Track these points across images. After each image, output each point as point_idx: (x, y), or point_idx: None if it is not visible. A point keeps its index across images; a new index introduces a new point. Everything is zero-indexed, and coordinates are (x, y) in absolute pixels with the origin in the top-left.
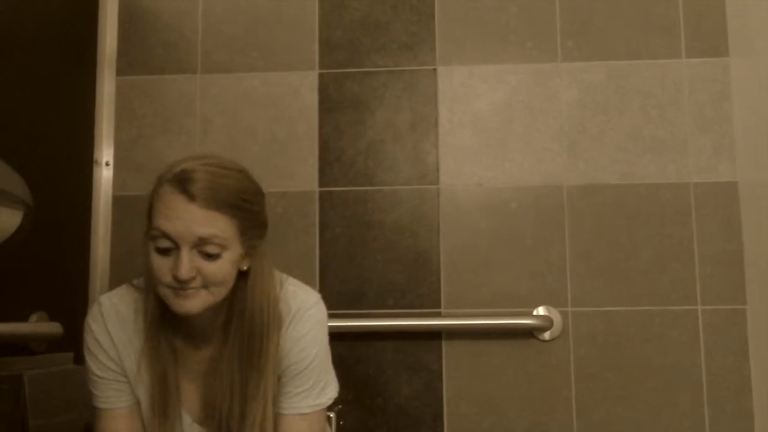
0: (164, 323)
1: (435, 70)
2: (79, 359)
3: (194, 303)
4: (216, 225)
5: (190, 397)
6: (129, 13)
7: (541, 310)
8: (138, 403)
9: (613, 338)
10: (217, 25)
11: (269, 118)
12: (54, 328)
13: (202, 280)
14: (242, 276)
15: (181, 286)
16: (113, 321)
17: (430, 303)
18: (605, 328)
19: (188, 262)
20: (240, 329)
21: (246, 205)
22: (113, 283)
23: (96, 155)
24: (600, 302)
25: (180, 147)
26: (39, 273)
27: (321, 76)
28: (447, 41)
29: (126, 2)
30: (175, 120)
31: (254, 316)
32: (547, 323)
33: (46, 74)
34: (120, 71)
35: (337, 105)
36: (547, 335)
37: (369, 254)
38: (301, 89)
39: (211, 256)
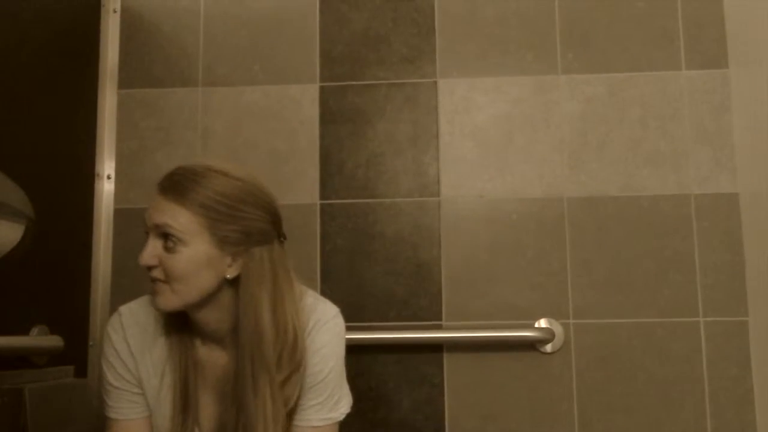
0: (183, 331)
1: (435, 82)
2: (80, 372)
3: (161, 299)
4: (174, 217)
5: (204, 408)
6: (130, 27)
7: (542, 323)
8: (149, 415)
9: (614, 350)
10: (218, 38)
11: (270, 130)
12: (55, 341)
13: (164, 273)
14: (236, 284)
15: (149, 274)
16: (133, 330)
17: (432, 315)
18: (607, 340)
19: (149, 249)
20: (241, 338)
21: (223, 209)
22: (114, 297)
23: (97, 168)
24: (601, 314)
25: (181, 159)
26: (40, 286)
27: (322, 88)
28: (447, 54)
29: (127, 16)
30: (176, 133)
31: (248, 326)
32: (548, 335)
33: (47, 87)
34: (121, 84)
35: (337, 117)
36: (548, 347)
37: (370, 266)
38: (302, 102)
39: (168, 248)
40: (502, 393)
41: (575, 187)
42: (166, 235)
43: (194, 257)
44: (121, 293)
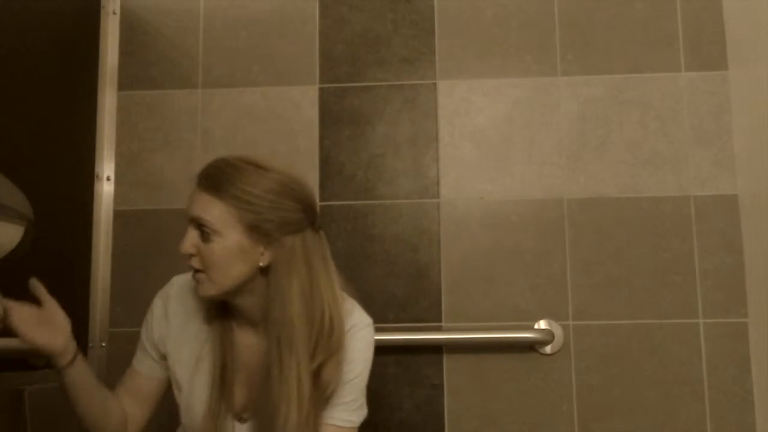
0: (223, 316)
1: (435, 84)
2: None
3: (200, 288)
4: (208, 209)
5: (238, 393)
6: (130, 29)
7: (542, 324)
8: (162, 380)
9: (614, 352)
10: (217, 39)
11: (270, 132)
12: None
13: (201, 261)
14: (267, 272)
15: (189, 263)
16: (176, 305)
17: (431, 317)
18: (606, 341)
19: (188, 239)
20: (270, 324)
21: (255, 201)
22: (114, 298)
23: (97, 170)
24: (601, 316)
25: (181, 161)
26: None
27: (321, 90)
28: (447, 55)
29: (127, 17)
30: (175, 134)
31: (276, 312)
32: (548, 337)
33: (47, 89)
34: (121, 86)
35: (337, 119)
36: (548, 349)
37: (370, 268)
38: (302, 103)
39: (205, 238)
40: (501, 394)
41: (575, 188)
42: (201, 226)
43: (228, 247)
44: (121, 294)
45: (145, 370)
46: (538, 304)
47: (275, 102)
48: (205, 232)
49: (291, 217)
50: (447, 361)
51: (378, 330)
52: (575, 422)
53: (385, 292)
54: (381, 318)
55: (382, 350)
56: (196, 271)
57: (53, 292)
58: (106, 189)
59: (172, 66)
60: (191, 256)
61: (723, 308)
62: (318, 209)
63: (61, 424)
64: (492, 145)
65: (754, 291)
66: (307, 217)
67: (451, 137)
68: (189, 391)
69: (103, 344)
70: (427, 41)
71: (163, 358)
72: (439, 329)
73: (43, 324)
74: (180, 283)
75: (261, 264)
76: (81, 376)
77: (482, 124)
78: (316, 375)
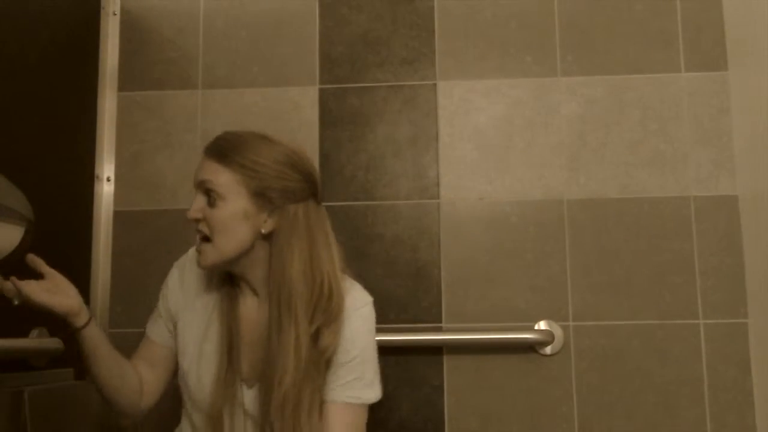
0: (231, 285)
1: (435, 84)
2: (80, 375)
3: (202, 258)
4: (215, 175)
5: (245, 359)
6: (130, 29)
7: (542, 325)
8: (172, 349)
9: (614, 352)
10: (217, 40)
11: (270, 132)
12: (54, 343)
13: (207, 226)
14: (270, 239)
15: (196, 227)
16: (191, 274)
17: (431, 317)
18: (607, 342)
19: (195, 204)
20: (270, 288)
21: (261, 169)
22: (114, 299)
23: (97, 170)
24: (601, 316)
25: (181, 162)
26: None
27: (321, 91)
28: (447, 56)
29: (127, 18)
30: (176, 135)
31: (277, 276)
32: (548, 338)
33: (47, 90)
34: (121, 87)
35: (337, 120)
36: (548, 350)
37: (369, 268)
38: (302, 104)
39: (211, 203)
40: (501, 395)
41: (575, 189)
42: (208, 192)
43: (233, 211)
44: (121, 295)
45: (159, 339)
46: (538, 305)
47: (275, 103)
48: (211, 198)
49: (294, 186)
50: (447, 361)
51: (378, 330)
52: (575, 423)
53: (385, 293)
54: (381, 318)
55: (382, 351)
56: (202, 240)
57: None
58: (106, 190)
59: (172, 67)
60: (197, 221)
61: (723, 309)
62: (320, 184)
63: (61, 424)
64: (492, 145)
65: (755, 291)
66: (310, 187)
67: (451, 138)
68: (197, 356)
69: None
70: (427, 42)
71: (174, 325)
72: (439, 330)
73: (51, 291)
74: (194, 251)
75: (263, 230)
76: (97, 338)
77: (482, 125)
78: (314, 339)
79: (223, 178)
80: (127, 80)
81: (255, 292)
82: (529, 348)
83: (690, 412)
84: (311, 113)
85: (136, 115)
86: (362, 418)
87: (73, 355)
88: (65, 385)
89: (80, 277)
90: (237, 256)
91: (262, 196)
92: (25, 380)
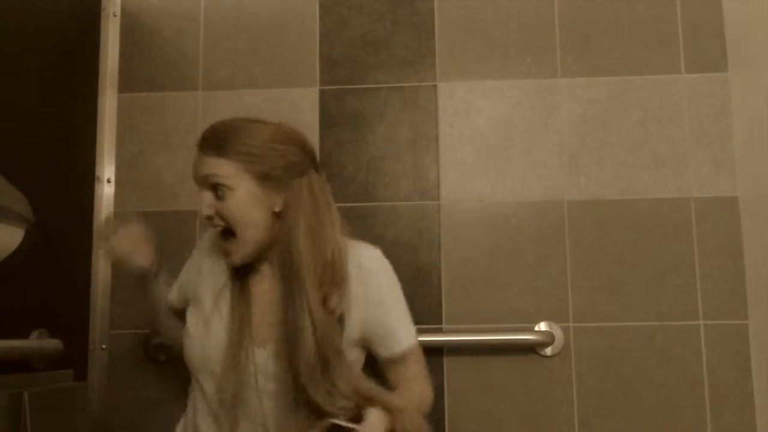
0: None
1: (435, 86)
2: (80, 376)
3: (234, 255)
4: (217, 167)
5: (258, 327)
6: (130, 31)
7: (542, 326)
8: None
9: (615, 354)
10: (218, 41)
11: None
12: (54, 345)
13: (223, 220)
14: (278, 215)
15: (212, 224)
16: (209, 248)
17: (432, 319)
18: (607, 343)
19: (204, 201)
20: (280, 262)
21: (258, 151)
22: (115, 300)
23: (98, 172)
24: (602, 318)
25: (182, 163)
26: (39, 290)
27: (322, 92)
28: (447, 57)
29: (127, 19)
30: (176, 136)
31: (286, 250)
32: (548, 339)
33: (47, 91)
34: (122, 88)
35: (337, 121)
36: (548, 351)
37: None
38: (302, 105)
39: (219, 196)
40: (502, 396)
41: (575, 190)
42: (214, 186)
43: (244, 199)
44: (122, 297)
45: (180, 306)
46: (539, 306)
47: (276, 104)
48: (219, 191)
49: (294, 160)
50: (447, 363)
51: None
52: (575, 424)
53: None
54: None
55: None
56: (225, 236)
57: (53, 293)
58: (106, 191)
59: (173, 68)
60: (211, 218)
61: (723, 310)
62: (316, 153)
63: (61, 426)
64: (492, 146)
65: (755, 293)
66: (308, 158)
67: (451, 139)
68: (206, 327)
69: (104, 347)
70: (427, 43)
71: (194, 293)
72: (439, 331)
73: (135, 241)
74: (207, 235)
75: (276, 209)
76: (163, 287)
77: (482, 126)
78: (324, 303)
79: (226, 169)
80: (128, 81)
81: (264, 262)
82: (530, 349)
83: (690, 413)
84: (311, 115)
85: (137, 117)
86: (419, 360)
87: (73, 356)
88: (65, 386)
89: (80, 278)
90: (263, 240)
91: (268, 178)
92: (25, 381)
